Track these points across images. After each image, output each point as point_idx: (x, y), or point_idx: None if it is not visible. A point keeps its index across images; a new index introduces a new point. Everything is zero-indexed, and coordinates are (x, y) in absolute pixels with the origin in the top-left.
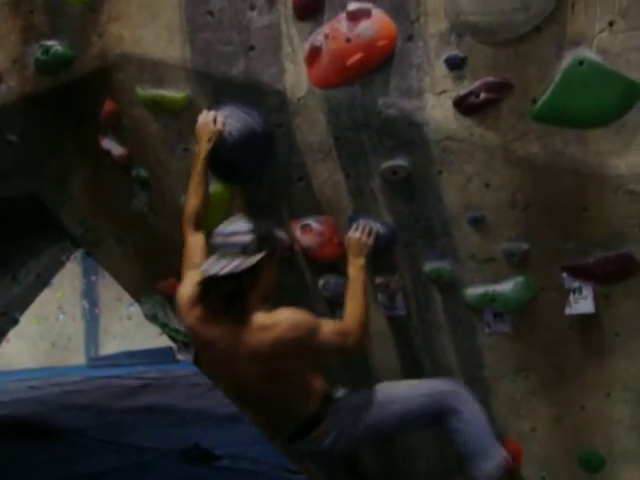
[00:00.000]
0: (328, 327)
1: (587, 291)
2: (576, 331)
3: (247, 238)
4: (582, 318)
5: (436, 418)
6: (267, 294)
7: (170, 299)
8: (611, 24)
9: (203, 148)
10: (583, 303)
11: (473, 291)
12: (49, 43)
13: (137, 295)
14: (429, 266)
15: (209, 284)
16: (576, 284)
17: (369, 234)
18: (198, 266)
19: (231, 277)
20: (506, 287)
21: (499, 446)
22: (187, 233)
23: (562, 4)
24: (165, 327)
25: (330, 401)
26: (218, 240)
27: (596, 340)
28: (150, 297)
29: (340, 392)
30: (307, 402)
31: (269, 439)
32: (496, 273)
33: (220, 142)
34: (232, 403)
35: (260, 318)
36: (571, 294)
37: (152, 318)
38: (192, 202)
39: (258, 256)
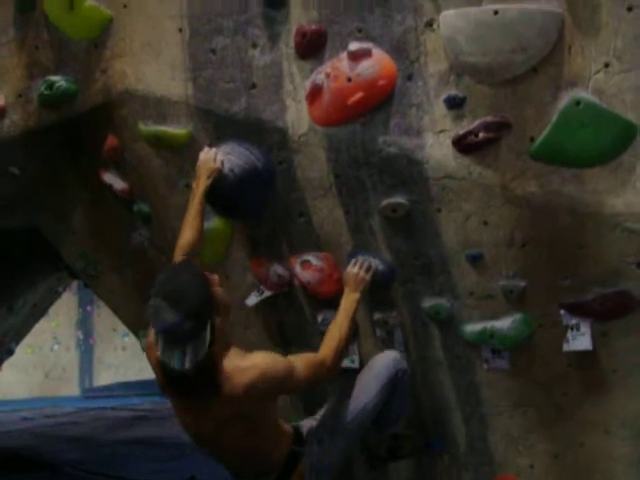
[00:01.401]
0: (302, 362)
1: (585, 328)
2: (574, 368)
3: (190, 323)
4: (580, 355)
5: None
6: (225, 335)
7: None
8: (607, 65)
9: (202, 184)
10: (581, 340)
11: (472, 328)
12: (53, 78)
13: (136, 329)
14: (428, 302)
15: (174, 376)
16: (574, 321)
17: (367, 270)
18: None
19: (198, 363)
20: (504, 324)
21: None
22: None
23: (559, 46)
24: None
25: (301, 439)
26: (165, 335)
27: (594, 377)
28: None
29: (303, 422)
30: (278, 445)
31: None
32: (494, 310)
33: (221, 178)
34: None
35: (230, 366)
36: (569, 331)
37: None
38: (186, 236)
39: (208, 329)
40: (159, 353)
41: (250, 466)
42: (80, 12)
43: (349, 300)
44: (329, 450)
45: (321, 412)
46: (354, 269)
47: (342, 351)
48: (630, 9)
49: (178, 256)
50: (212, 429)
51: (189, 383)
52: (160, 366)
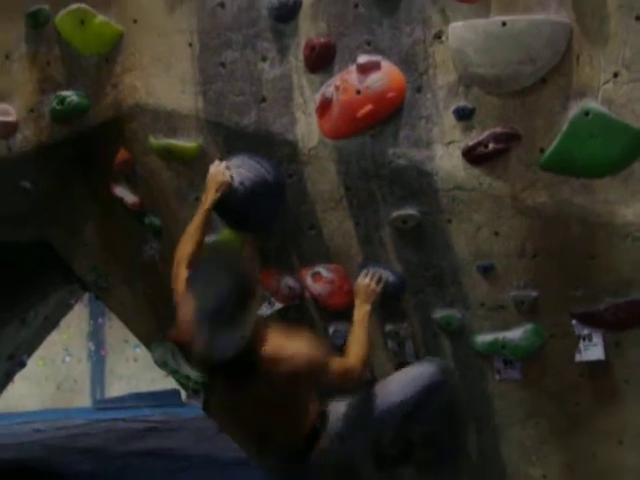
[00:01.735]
0: (335, 363)
1: (597, 338)
2: (586, 378)
3: (230, 308)
4: (592, 365)
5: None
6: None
7: (180, 345)
8: (616, 75)
9: (210, 198)
10: (593, 350)
11: (483, 338)
12: (65, 93)
13: (148, 341)
14: (439, 314)
15: (217, 363)
16: (586, 331)
17: (378, 281)
18: None
19: (239, 350)
20: (516, 334)
21: None
22: (180, 272)
23: (567, 56)
24: (175, 373)
25: (326, 419)
26: (205, 319)
27: (607, 387)
28: (161, 343)
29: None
30: (305, 423)
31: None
32: (506, 320)
33: (231, 192)
34: (232, 436)
35: (272, 350)
36: (581, 341)
37: (162, 364)
38: (187, 247)
39: (252, 313)
40: (198, 341)
41: (273, 443)
42: (91, 28)
43: (361, 312)
44: (351, 437)
45: (349, 400)
46: (365, 281)
47: (365, 366)
48: (638, 19)
49: (180, 266)
50: (245, 408)
51: (229, 366)
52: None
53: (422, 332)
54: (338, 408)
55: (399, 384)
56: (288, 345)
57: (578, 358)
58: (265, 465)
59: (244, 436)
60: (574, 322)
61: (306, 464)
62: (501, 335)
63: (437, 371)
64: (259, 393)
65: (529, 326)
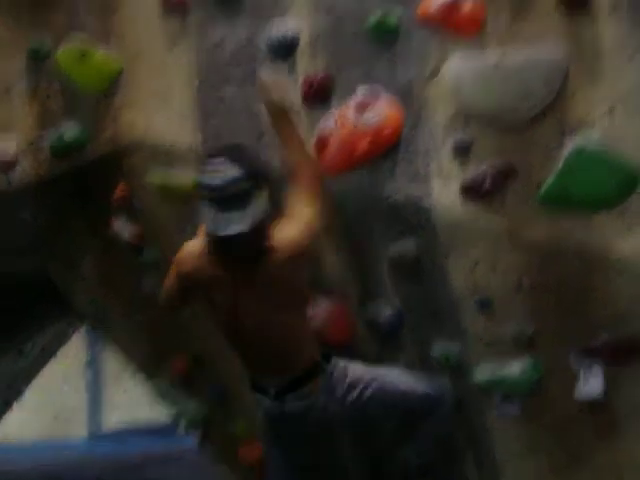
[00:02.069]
0: (307, 213)
1: (596, 373)
2: (586, 413)
3: (247, 185)
4: (592, 400)
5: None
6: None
7: (179, 378)
8: (610, 111)
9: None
10: (592, 385)
11: (481, 373)
12: (64, 128)
13: (146, 374)
14: (437, 349)
15: (228, 243)
16: (585, 366)
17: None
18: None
19: (252, 230)
20: (514, 369)
21: None
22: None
23: (563, 91)
24: (173, 406)
25: (329, 360)
26: (214, 194)
27: (606, 422)
28: (158, 376)
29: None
30: (306, 347)
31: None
32: (504, 355)
33: None
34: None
35: (277, 236)
36: (580, 376)
37: (160, 397)
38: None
39: (264, 196)
40: (207, 225)
41: (274, 359)
42: (91, 63)
43: (275, 112)
44: (344, 396)
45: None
46: (271, 79)
47: (312, 162)
48: (632, 55)
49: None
50: (249, 305)
51: (239, 249)
52: (201, 261)
53: (420, 367)
54: (350, 370)
55: (405, 377)
56: (285, 231)
57: (577, 393)
58: (260, 399)
59: (245, 347)
60: (572, 357)
61: (296, 404)
62: (499, 370)
63: (442, 389)
64: (262, 286)
65: (527, 361)
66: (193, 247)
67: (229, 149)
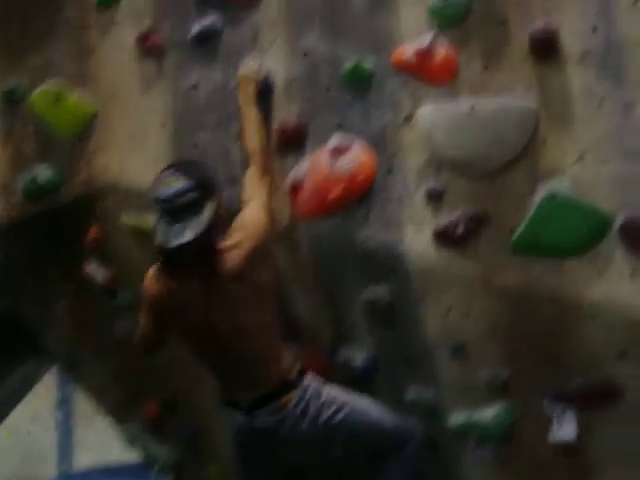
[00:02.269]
0: (260, 207)
1: (569, 418)
2: (560, 457)
3: (194, 195)
4: (566, 444)
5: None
6: (223, 227)
7: (150, 423)
8: (581, 158)
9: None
10: (566, 430)
11: (455, 418)
12: (37, 170)
13: (117, 418)
14: (411, 393)
15: (177, 252)
16: (558, 411)
17: (259, 69)
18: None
19: (199, 237)
20: (488, 414)
21: None
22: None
23: (535, 139)
24: (144, 451)
25: (304, 376)
26: (165, 205)
27: (581, 467)
28: (130, 421)
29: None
30: (280, 361)
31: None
32: (477, 400)
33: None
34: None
35: (223, 244)
36: (553, 421)
37: (131, 442)
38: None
39: (213, 205)
40: (158, 237)
41: (246, 373)
42: (65, 106)
43: (244, 98)
44: (319, 421)
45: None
46: (245, 70)
47: (268, 147)
48: (601, 104)
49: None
50: (217, 313)
51: (188, 258)
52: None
53: (394, 411)
54: (326, 391)
55: (377, 408)
56: (235, 234)
57: (551, 438)
58: (231, 415)
59: (218, 362)
60: (546, 402)
61: (266, 419)
62: (473, 415)
63: (412, 426)
64: (227, 286)
65: (501, 405)
66: (154, 270)
67: (179, 163)
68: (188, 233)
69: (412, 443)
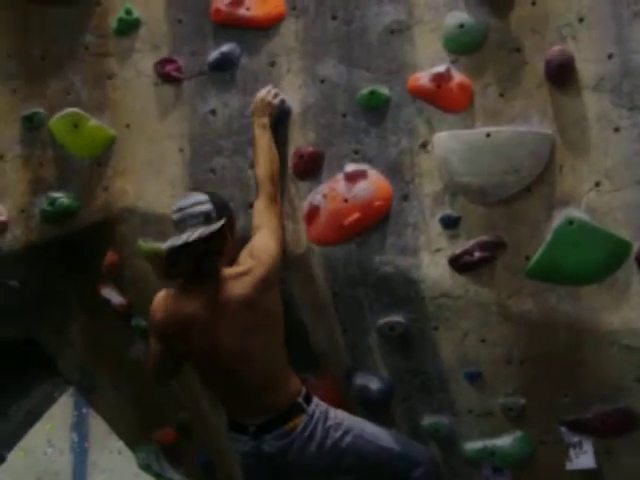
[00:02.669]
0: (270, 236)
1: (587, 446)
2: None
3: (208, 206)
4: (584, 473)
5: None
6: (232, 259)
7: (165, 448)
8: (597, 184)
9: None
10: (584, 458)
11: (472, 445)
12: (55, 195)
13: (132, 443)
14: (427, 420)
15: (178, 253)
16: (576, 439)
17: (275, 96)
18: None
19: (201, 241)
20: (505, 441)
21: None
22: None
23: (551, 166)
24: (158, 477)
25: (310, 401)
26: (178, 215)
27: None
28: (145, 445)
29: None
30: (287, 386)
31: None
32: (494, 427)
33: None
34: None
35: (233, 269)
36: (571, 449)
37: (145, 467)
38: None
39: (222, 221)
40: (169, 242)
41: (252, 397)
42: (84, 131)
43: (259, 126)
44: (328, 435)
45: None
46: (261, 93)
47: (276, 174)
48: (617, 130)
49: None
50: (221, 344)
51: (191, 281)
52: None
53: (410, 438)
54: (334, 415)
55: (387, 433)
56: (246, 261)
57: (569, 466)
58: (236, 439)
59: (224, 387)
60: (563, 430)
61: (274, 444)
62: (490, 442)
63: (421, 453)
64: (231, 317)
65: (518, 433)
66: (161, 293)
67: (203, 189)
68: (194, 235)
69: (420, 468)
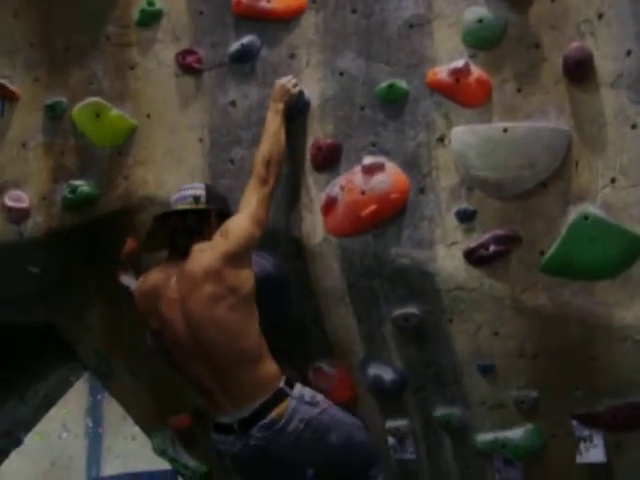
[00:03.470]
0: (255, 204)
1: (598, 439)
2: (588, 477)
3: (199, 191)
4: (594, 466)
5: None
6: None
7: (180, 433)
8: (613, 181)
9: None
10: (594, 451)
11: (483, 437)
12: (77, 183)
13: (147, 428)
14: (439, 411)
15: (158, 226)
16: (586, 432)
17: (295, 85)
18: None
19: (181, 214)
20: (516, 434)
21: None
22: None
23: (567, 162)
24: (173, 462)
25: (293, 386)
26: (174, 196)
27: None
28: (160, 431)
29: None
30: (264, 371)
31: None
32: (506, 420)
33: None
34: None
35: (200, 244)
36: (581, 442)
37: (161, 452)
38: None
39: (207, 206)
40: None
41: (229, 382)
42: (106, 121)
43: (272, 110)
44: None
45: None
46: (282, 80)
47: (275, 159)
48: (634, 127)
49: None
50: (187, 314)
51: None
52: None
53: (423, 429)
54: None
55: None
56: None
57: (579, 459)
58: (219, 441)
59: (203, 376)
60: (574, 423)
61: (261, 436)
62: (501, 434)
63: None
64: (194, 287)
65: (529, 426)
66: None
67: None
68: (172, 208)
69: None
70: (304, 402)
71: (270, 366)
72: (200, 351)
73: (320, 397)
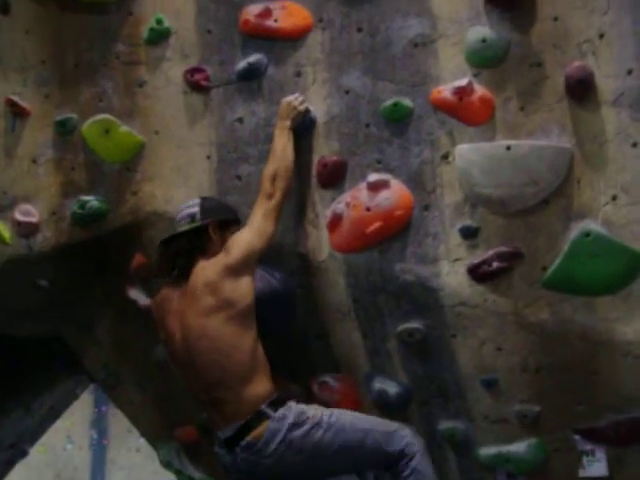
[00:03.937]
0: (260, 217)
1: (600, 454)
2: None
3: (194, 209)
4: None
5: (389, 459)
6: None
7: (186, 446)
8: (614, 198)
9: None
10: (596, 466)
11: (486, 451)
12: (86, 198)
13: (154, 440)
14: (443, 425)
15: (165, 246)
16: (589, 447)
17: (301, 103)
18: None
19: (180, 236)
20: (519, 448)
21: None
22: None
23: (569, 179)
24: (179, 474)
25: (279, 405)
26: (177, 217)
27: None
28: (166, 443)
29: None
30: (253, 389)
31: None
32: (509, 434)
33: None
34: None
35: (204, 260)
36: (584, 457)
37: (166, 464)
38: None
39: (201, 222)
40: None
41: (221, 398)
42: (115, 137)
43: (279, 128)
44: (305, 439)
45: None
46: (289, 98)
47: (281, 177)
48: (635, 145)
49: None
50: (186, 326)
51: (172, 273)
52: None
53: (427, 442)
54: (302, 406)
55: (371, 419)
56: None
57: (582, 474)
58: (220, 455)
59: (195, 384)
60: (576, 437)
61: (245, 454)
62: (504, 448)
63: (412, 438)
64: (194, 300)
65: (532, 440)
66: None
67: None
68: (168, 234)
69: (407, 453)
70: (287, 423)
71: (260, 385)
72: (194, 364)
73: (312, 412)
